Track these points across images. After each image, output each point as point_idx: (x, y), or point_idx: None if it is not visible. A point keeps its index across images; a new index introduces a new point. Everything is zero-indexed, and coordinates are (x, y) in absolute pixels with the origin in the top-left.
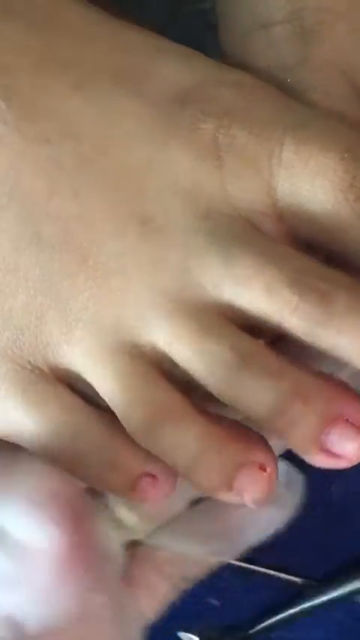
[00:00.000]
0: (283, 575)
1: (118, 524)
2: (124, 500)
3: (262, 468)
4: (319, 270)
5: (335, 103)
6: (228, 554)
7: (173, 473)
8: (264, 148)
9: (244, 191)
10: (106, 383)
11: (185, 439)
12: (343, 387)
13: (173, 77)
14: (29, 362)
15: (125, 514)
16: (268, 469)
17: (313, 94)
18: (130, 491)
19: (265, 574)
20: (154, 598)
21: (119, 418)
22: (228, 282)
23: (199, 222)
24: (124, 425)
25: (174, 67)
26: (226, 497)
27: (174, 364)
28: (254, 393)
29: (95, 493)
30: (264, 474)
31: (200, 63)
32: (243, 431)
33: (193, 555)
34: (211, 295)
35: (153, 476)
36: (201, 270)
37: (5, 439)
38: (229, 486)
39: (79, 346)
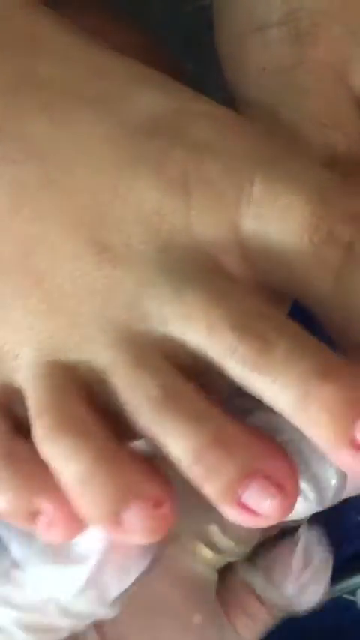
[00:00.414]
0: None
1: (212, 547)
2: (218, 523)
3: (157, 504)
4: (267, 315)
5: (330, 106)
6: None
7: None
8: (233, 183)
9: (208, 225)
10: (32, 394)
11: (80, 454)
12: (269, 442)
13: (146, 105)
14: None
15: (220, 537)
16: (164, 507)
17: (308, 96)
18: (28, 526)
19: None
20: (253, 624)
21: (32, 425)
22: (174, 318)
23: (157, 254)
24: (33, 431)
25: (148, 94)
26: (112, 532)
27: (104, 392)
28: (175, 435)
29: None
30: (157, 511)
31: (175, 92)
32: (145, 460)
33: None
34: (156, 329)
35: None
36: (150, 303)
37: None
38: (116, 520)
39: (24, 363)
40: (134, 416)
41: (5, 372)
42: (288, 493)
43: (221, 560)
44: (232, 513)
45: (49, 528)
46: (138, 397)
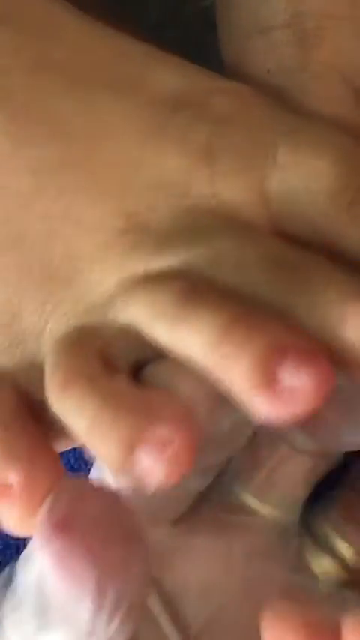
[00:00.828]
0: None
1: (333, 555)
2: (338, 529)
3: (165, 444)
4: (301, 257)
5: (336, 108)
6: None
7: (36, 487)
8: (258, 149)
9: (234, 190)
10: (48, 359)
11: (86, 402)
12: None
13: (166, 84)
14: None
15: (340, 545)
16: (174, 445)
17: (313, 98)
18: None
19: None
20: None
21: (46, 391)
22: (199, 263)
23: (183, 218)
24: (47, 396)
25: (167, 75)
26: (124, 478)
27: (117, 334)
28: (192, 327)
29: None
30: (167, 450)
31: (194, 72)
32: (159, 396)
33: None
34: (178, 270)
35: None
36: (170, 248)
37: None
38: (128, 462)
39: (49, 337)
40: (152, 330)
41: (29, 353)
42: (324, 368)
43: (340, 569)
44: (265, 402)
45: (4, 497)
46: (158, 302)
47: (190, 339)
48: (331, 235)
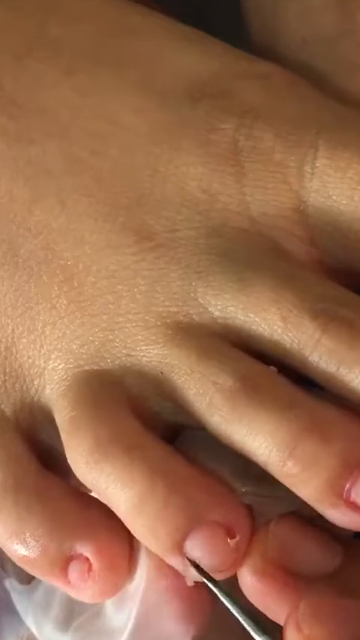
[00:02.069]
0: None
1: None
2: None
3: (229, 534)
4: (349, 299)
5: None
6: None
7: (114, 561)
8: (293, 153)
9: (267, 204)
10: (64, 411)
11: (130, 476)
12: None
13: (185, 67)
14: None
15: None
16: (238, 537)
17: (357, 70)
18: (55, 578)
19: None
20: None
21: (65, 451)
22: (238, 310)
23: (209, 240)
24: (68, 459)
25: (187, 54)
26: (173, 563)
27: (157, 395)
28: (259, 427)
29: None
30: (229, 541)
31: (218, 50)
32: (213, 480)
33: None
34: (217, 322)
35: (85, 559)
36: (206, 294)
37: None
38: (178, 549)
39: (50, 380)
40: (203, 417)
41: (28, 393)
42: None
43: None
44: (337, 515)
45: (82, 580)
46: (207, 391)
47: (254, 437)
48: None
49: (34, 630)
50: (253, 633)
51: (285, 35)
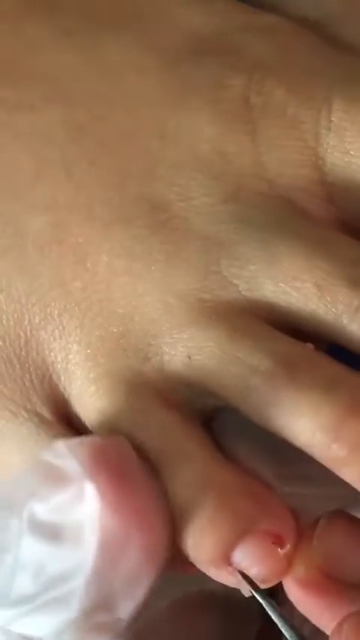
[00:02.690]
0: None
1: None
2: None
3: (279, 543)
4: None
5: None
6: None
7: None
8: (308, 107)
9: (283, 163)
10: (95, 418)
11: (179, 487)
12: None
13: (190, 23)
14: (24, 407)
15: None
16: (287, 546)
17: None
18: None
19: None
20: None
21: None
22: (266, 280)
23: (227, 206)
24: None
25: (191, 11)
26: (219, 576)
27: (189, 390)
28: (302, 410)
29: None
30: (278, 550)
31: (223, 6)
32: (261, 488)
33: None
34: (244, 296)
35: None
36: (230, 266)
37: None
38: (225, 560)
39: (75, 374)
40: (239, 400)
41: (57, 390)
42: None
43: None
44: None
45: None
46: (243, 374)
47: (296, 420)
48: None
49: None
50: None
51: (285, 10)
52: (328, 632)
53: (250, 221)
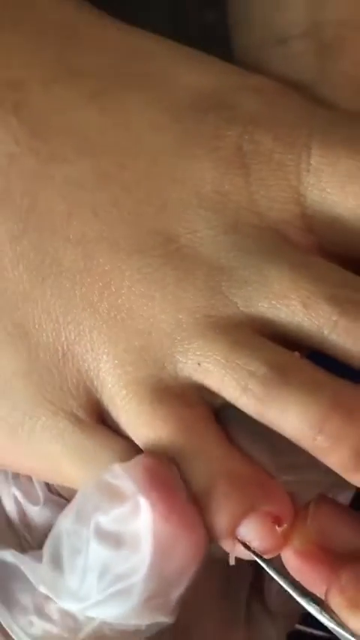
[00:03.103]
0: (311, 630)
1: None
2: None
3: (277, 522)
4: (355, 284)
5: None
6: None
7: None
8: (291, 153)
9: (272, 200)
10: (126, 417)
11: (197, 476)
12: None
13: (192, 84)
14: (61, 409)
15: None
16: (285, 525)
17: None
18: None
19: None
20: None
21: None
22: (261, 299)
23: (227, 237)
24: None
25: (192, 73)
26: (229, 547)
27: (200, 392)
28: (291, 408)
29: None
30: (277, 528)
31: (219, 68)
32: (265, 476)
33: None
34: (242, 312)
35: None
36: (230, 287)
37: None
38: (232, 533)
39: (106, 381)
40: (239, 399)
41: (92, 394)
42: None
43: None
44: None
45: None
46: (243, 379)
47: (287, 417)
48: None
49: (51, 595)
50: (297, 597)
51: (270, 73)
52: (320, 594)
53: (246, 249)
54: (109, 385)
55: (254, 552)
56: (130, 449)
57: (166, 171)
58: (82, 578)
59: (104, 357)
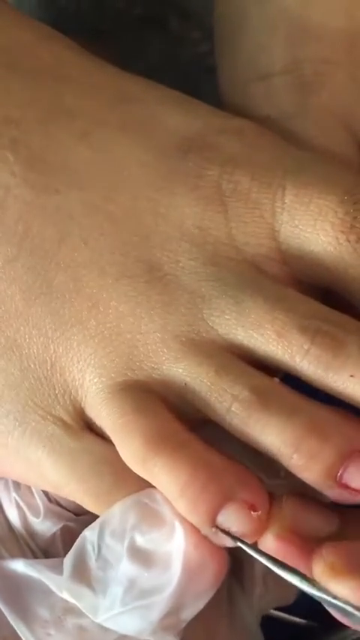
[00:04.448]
0: (285, 616)
1: None
2: None
3: (252, 508)
4: (328, 314)
5: (334, 152)
6: None
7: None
8: (266, 192)
9: (248, 235)
10: (109, 419)
11: (176, 467)
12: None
13: (176, 126)
14: (50, 413)
15: None
16: (259, 511)
17: (312, 143)
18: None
19: (267, 614)
20: None
21: (118, 451)
22: (238, 328)
23: (207, 268)
24: (122, 456)
25: (176, 115)
26: (211, 535)
27: (181, 400)
28: (271, 429)
29: None
30: (252, 513)
31: (201, 111)
32: (240, 468)
33: None
34: (222, 338)
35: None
36: (210, 315)
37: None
38: (212, 521)
39: (90, 390)
40: (223, 419)
41: (77, 401)
42: None
43: None
44: (336, 494)
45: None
46: (226, 402)
47: (267, 437)
48: (337, 272)
49: (73, 601)
50: (279, 571)
51: (252, 112)
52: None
53: (225, 280)
54: (93, 394)
55: (235, 537)
56: (114, 454)
57: (150, 206)
58: (108, 590)
59: (90, 368)
